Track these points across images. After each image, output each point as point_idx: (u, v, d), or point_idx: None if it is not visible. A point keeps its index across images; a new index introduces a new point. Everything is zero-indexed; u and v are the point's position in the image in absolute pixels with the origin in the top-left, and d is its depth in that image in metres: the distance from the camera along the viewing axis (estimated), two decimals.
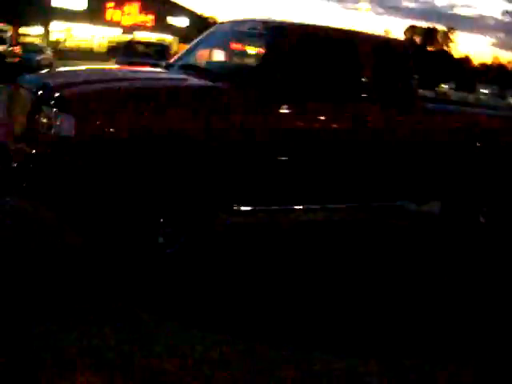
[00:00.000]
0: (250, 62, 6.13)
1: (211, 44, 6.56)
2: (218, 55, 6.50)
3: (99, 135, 4.57)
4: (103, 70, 6.91)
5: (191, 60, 6.30)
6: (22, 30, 49.32)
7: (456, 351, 4.10)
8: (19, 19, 48.36)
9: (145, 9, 64.81)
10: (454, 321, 4.67)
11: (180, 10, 68.94)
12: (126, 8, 63.91)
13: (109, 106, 4.65)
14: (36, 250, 5.01)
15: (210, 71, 5.76)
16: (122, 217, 4.70)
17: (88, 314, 3.97)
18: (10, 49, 24.78)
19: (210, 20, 75.91)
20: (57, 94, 4.70)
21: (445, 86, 66.59)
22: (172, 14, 67.64)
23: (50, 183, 4.63)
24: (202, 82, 5.31)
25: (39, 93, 4.88)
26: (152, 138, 4.69)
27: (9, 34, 26.07)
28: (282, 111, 5.33)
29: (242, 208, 5.37)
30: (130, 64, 12.87)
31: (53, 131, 4.60)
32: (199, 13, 79.35)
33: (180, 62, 6.28)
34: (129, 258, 4.82)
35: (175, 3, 68.77)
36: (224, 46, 6.46)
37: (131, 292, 4.44)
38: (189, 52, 6.50)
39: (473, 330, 4.52)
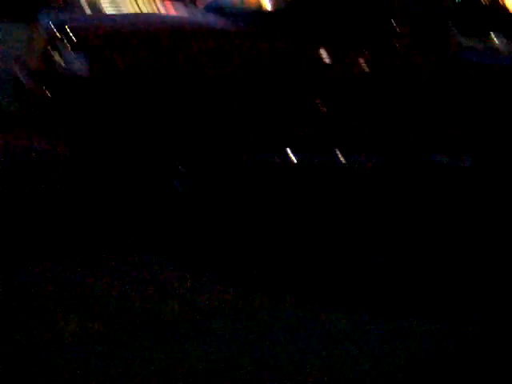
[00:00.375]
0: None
1: None
2: None
3: (111, 73, 4.53)
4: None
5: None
6: None
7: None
8: None
9: None
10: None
11: None
12: None
13: (119, 46, 4.61)
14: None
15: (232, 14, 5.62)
16: (135, 155, 4.69)
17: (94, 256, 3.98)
18: None
19: None
20: (71, 33, 4.65)
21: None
22: None
23: (66, 119, 4.63)
24: (215, 24, 5.20)
25: (55, 30, 4.84)
26: (162, 77, 4.64)
27: None
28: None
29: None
30: None
31: (66, 68, 4.58)
32: None
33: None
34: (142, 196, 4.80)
35: None
36: None
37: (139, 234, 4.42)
38: None
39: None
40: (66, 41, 4.61)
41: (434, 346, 3.36)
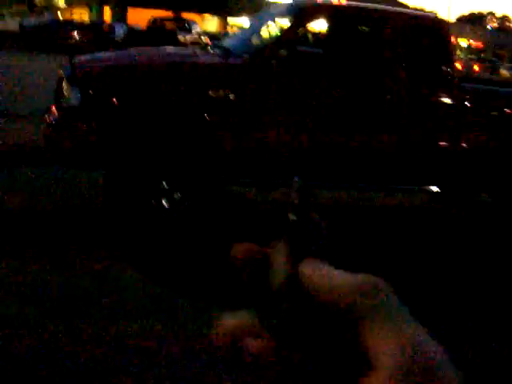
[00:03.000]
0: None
1: (255, 24, 6.97)
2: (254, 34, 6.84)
3: (101, 106, 5.25)
4: (125, 51, 7.39)
5: (232, 39, 6.75)
6: (231, 20, 52.26)
7: None
8: (228, 10, 51.23)
9: None
10: None
11: None
12: None
13: (110, 82, 5.32)
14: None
15: (227, 49, 6.17)
16: (125, 179, 5.33)
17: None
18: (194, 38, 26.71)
19: None
20: (71, 70, 5.47)
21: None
22: None
23: (63, 145, 5.41)
24: (208, 59, 5.80)
25: (62, 71, 5.69)
26: (150, 110, 5.28)
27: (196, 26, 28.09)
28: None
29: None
30: None
31: (66, 101, 5.37)
32: None
33: (224, 41, 6.77)
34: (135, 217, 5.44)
35: None
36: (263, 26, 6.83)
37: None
38: (236, 33, 6.96)
39: None
40: (67, 76, 5.43)
41: None
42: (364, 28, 6.13)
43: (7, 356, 3.34)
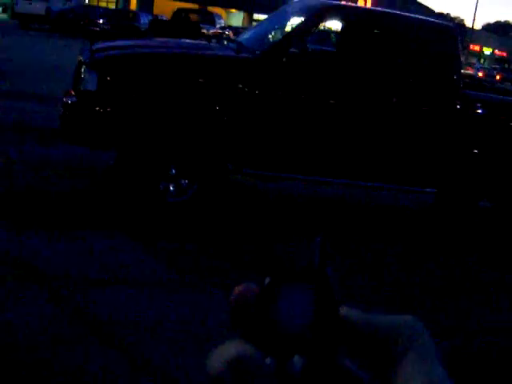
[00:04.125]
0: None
1: (270, 21, 7.21)
2: (268, 30, 7.08)
3: (116, 92, 5.52)
4: (144, 40, 7.70)
5: (248, 35, 6.99)
6: (256, 16, 52.47)
7: None
8: (254, 5, 51.43)
9: None
10: None
11: None
12: None
13: (126, 69, 5.59)
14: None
15: (240, 43, 6.41)
16: (135, 161, 5.59)
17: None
18: (218, 32, 26.96)
19: None
20: (90, 56, 5.73)
21: None
22: None
23: (78, 126, 5.68)
24: (221, 52, 6.05)
25: (82, 56, 5.96)
26: (161, 98, 5.54)
27: (221, 19, 28.33)
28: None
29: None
30: None
31: (83, 85, 5.64)
32: None
33: (240, 36, 7.01)
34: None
35: None
36: (277, 23, 7.07)
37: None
38: (254, 27, 7.21)
39: None
40: (86, 62, 5.70)
41: None
42: (372, 31, 6.33)
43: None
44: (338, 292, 0.38)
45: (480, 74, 54.62)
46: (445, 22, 6.85)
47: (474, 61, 79.37)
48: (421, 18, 6.64)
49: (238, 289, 0.41)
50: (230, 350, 0.38)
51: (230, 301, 0.40)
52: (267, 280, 0.39)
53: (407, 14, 6.83)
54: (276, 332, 0.38)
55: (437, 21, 6.73)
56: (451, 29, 6.48)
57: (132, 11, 38.21)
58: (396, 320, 0.40)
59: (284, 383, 0.37)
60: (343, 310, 0.40)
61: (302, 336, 0.38)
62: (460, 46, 6.42)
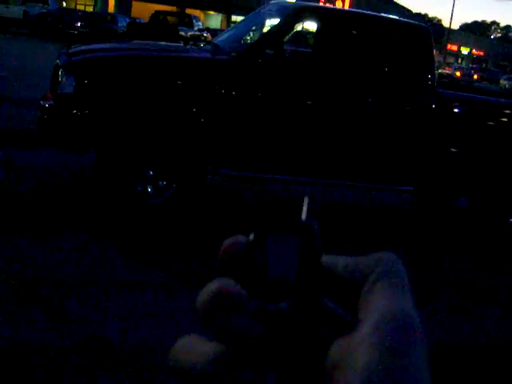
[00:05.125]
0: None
1: (246, 23, 7.28)
2: (244, 32, 7.14)
3: (93, 95, 5.55)
4: (121, 43, 7.65)
5: (224, 37, 7.04)
6: (234, 18, 52.55)
7: None
8: (232, 7, 51.53)
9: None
10: None
11: None
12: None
13: (103, 72, 5.62)
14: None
15: (217, 45, 6.46)
16: (113, 163, 5.62)
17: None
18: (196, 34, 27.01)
19: None
20: (67, 59, 5.76)
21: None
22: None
23: (56, 129, 5.70)
24: (197, 55, 6.11)
25: (59, 59, 5.98)
26: (138, 101, 5.58)
27: (199, 22, 28.39)
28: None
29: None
30: None
31: (60, 88, 5.66)
32: None
33: (216, 39, 7.07)
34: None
35: None
36: (253, 25, 7.14)
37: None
38: (230, 29, 7.26)
39: None
40: (63, 66, 5.73)
41: None
42: (347, 32, 6.41)
43: None
44: (321, 242, 0.40)
45: (458, 74, 55.12)
46: (419, 23, 6.93)
47: (451, 60, 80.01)
48: (395, 19, 6.74)
49: (227, 241, 0.41)
50: (216, 283, 0.39)
51: (219, 252, 0.41)
52: (254, 232, 0.41)
53: (382, 14, 6.92)
54: (263, 278, 0.40)
55: (411, 21, 6.82)
56: (425, 29, 6.58)
57: (110, 14, 38.07)
58: (372, 257, 0.41)
59: (268, 320, 0.39)
60: (325, 257, 0.41)
61: (287, 281, 0.40)
62: (434, 45, 6.51)
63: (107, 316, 3.85)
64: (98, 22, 32.30)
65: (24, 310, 3.77)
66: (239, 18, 52.26)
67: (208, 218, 6.05)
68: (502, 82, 58.07)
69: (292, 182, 6.37)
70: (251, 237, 0.42)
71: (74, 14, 34.01)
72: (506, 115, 6.80)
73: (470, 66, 75.28)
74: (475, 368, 4.04)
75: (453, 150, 6.48)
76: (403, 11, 70.75)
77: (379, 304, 0.37)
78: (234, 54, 5.99)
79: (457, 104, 6.56)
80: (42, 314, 3.76)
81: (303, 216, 0.42)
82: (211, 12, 55.50)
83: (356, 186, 6.46)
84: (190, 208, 5.83)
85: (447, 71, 56.37)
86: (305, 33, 9.57)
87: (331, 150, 6.15)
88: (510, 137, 6.65)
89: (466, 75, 55.08)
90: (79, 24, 31.33)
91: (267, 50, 5.98)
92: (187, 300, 4.11)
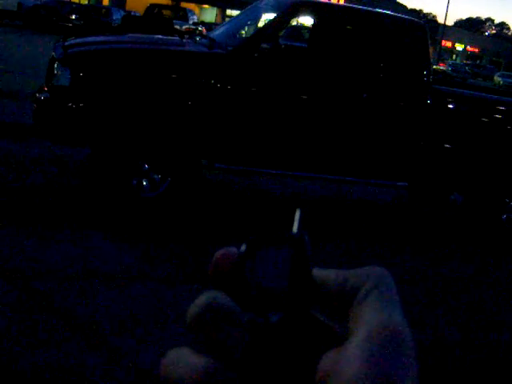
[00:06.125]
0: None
1: (242, 17, 7.27)
2: (240, 26, 7.13)
3: (89, 87, 5.54)
4: (117, 36, 7.56)
5: (220, 31, 7.02)
6: (230, 11, 52.46)
7: None
8: (227, 1, 51.42)
9: None
10: None
11: None
12: None
13: (98, 65, 5.60)
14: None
15: (213, 39, 6.45)
16: (108, 156, 5.61)
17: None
18: (191, 28, 26.97)
19: None
20: (63, 52, 5.73)
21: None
22: None
23: (52, 122, 5.68)
24: (192, 48, 6.09)
25: (54, 52, 5.96)
26: (133, 94, 5.57)
27: (194, 15, 28.35)
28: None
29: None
30: None
31: (56, 81, 5.64)
32: None
33: (213, 33, 7.05)
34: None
35: None
36: (249, 19, 7.13)
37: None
38: (226, 23, 7.25)
39: None
40: (58, 58, 5.71)
41: None
42: (343, 27, 6.40)
43: None
44: (312, 255, 0.41)
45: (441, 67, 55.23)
46: (415, 19, 6.93)
47: (446, 56, 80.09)
48: (391, 15, 6.73)
49: (218, 253, 0.42)
50: (207, 296, 0.39)
51: (211, 263, 0.41)
52: (245, 245, 0.41)
53: (378, 10, 6.91)
54: (254, 290, 0.40)
55: (407, 17, 6.83)
56: (421, 25, 6.59)
57: (104, 7, 37.96)
58: (363, 271, 0.41)
59: (258, 333, 0.39)
60: (316, 270, 0.42)
61: (278, 293, 0.40)
62: (430, 41, 6.52)
63: (98, 308, 3.85)
64: (93, 14, 32.17)
65: (17, 302, 3.77)
66: (234, 12, 52.28)
67: (203, 211, 6.05)
68: (496, 78, 58.16)
69: (288, 176, 6.38)
70: (242, 248, 0.41)
71: (68, 6, 33.85)
72: (500, 112, 6.82)
73: (464, 62, 75.41)
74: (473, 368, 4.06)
75: (448, 146, 6.50)
76: (398, 7, 70.76)
77: (369, 317, 0.38)
78: (230, 48, 5.98)
79: (451, 100, 6.57)
80: (38, 309, 3.76)
81: (294, 228, 0.42)
82: (206, 6, 55.38)
83: (351, 181, 6.47)
84: (185, 201, 5.83)
85: (442, 67, 56.46)
86: (300, 27, 9.55)
87: (326, 144, 6.16)
88: (504, 133, 6.67)
89: (461, 72, 55.16)
90: (74, 16, 31.19)
91: (263, 45, 5.98)
92: (182, 293, 4.12)
